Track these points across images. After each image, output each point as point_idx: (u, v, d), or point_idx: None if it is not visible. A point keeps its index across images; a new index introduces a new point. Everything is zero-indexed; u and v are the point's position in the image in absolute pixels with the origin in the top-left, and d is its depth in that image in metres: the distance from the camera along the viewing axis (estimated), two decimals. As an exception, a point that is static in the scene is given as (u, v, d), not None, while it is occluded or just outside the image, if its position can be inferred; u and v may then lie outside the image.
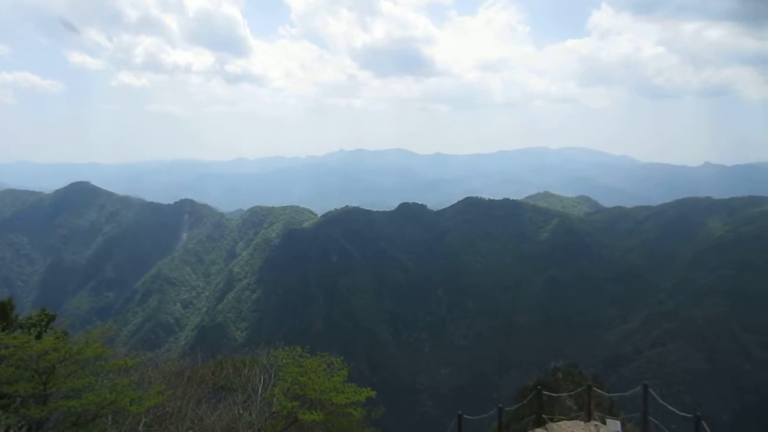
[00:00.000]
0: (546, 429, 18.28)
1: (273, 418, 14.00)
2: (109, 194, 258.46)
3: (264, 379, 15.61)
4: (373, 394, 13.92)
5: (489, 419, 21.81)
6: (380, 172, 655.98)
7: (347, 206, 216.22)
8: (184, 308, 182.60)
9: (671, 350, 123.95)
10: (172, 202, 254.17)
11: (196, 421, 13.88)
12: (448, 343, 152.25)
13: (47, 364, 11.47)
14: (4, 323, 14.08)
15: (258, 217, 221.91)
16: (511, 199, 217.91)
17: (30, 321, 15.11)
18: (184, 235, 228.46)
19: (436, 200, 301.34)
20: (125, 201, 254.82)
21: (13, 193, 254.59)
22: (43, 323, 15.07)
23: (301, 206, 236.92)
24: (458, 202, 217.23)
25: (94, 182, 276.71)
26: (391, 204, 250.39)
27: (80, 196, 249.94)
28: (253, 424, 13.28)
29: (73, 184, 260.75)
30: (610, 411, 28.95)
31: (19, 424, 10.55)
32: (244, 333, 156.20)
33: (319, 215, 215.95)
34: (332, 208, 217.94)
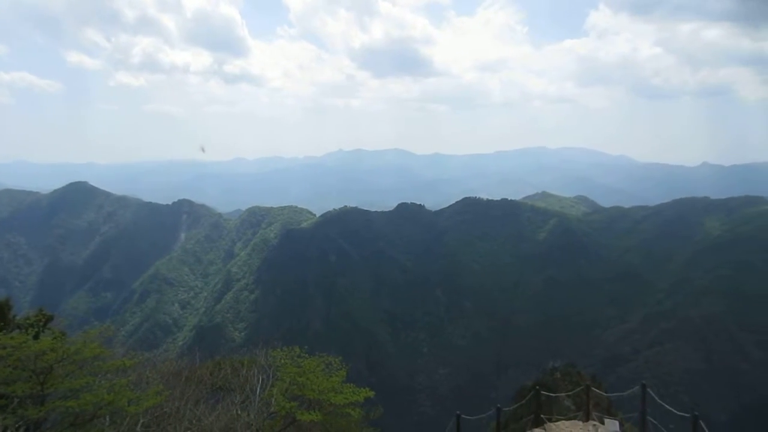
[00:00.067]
0: (544, 429, 18.30)
1: (271, 419, 13.97)
2: (107, 194, 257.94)
3: (262, 380, 15.59)
4: (371, 394, 13.91)
5: (487, 419, 21.83)
6: (378, 172, 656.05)
7: (345, 206, 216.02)
8: (182, 308, 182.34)
9: (669, 350, 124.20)
10: (170, 203, 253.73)
11: (194, 421, 13.84)
12: (446, 343, 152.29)
13: (45, 364, 11.44)
14: (2, 323, 14.06)
15: (256, 217, 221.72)
16: (509, 199, 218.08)
17: (27, 321, 15.07)
18: (182, 236, 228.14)
19: (435, 200, 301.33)
20: (123, 201, 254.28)
21: (10, 193, 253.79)
22: (41, 323, 15.02)
23: (299, 206, 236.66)
24: (456, 202, 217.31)
25: (92, 182, 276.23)
26: (389, 204, 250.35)
27: (78, 196, 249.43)
28: (252, 425, 13.26)
29: (70, 184, 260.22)
30: (609, 411, 28.98)
31: (17, 425, 10.52)
32: (242, 333, 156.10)
33: (317, 215, 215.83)
34: (330, 209, 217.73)
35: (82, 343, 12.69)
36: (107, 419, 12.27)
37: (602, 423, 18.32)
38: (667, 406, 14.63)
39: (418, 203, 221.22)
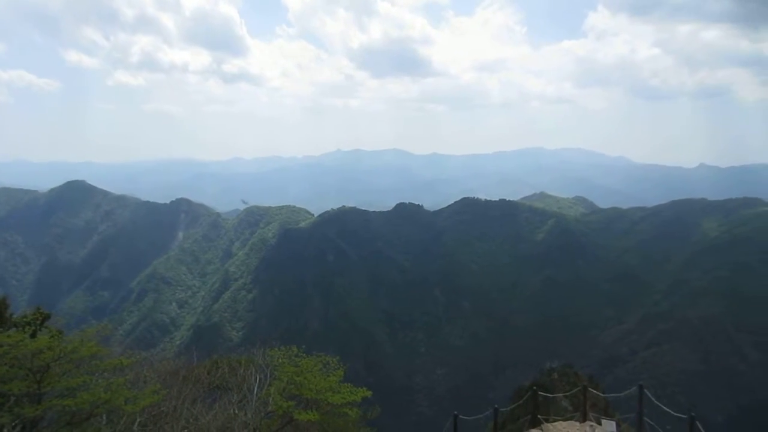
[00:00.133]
0: (541, 429, 18.31)
1: (268, 418, 13.97)
2: (105, 193, 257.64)
3: (260, 379, 15.58)
4: (368, 394, 13.91)
5: (485, 420, 21.80)
6: (377, 172, 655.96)
7: (344, 206, 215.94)
8: (179, 308, 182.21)
9: (666, 351, 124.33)
10: (168, 202, 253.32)
11: (191, 420, 13.84)
12: (444, 344, 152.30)
13: (42, 362, 11.42)
14: (-1, 322, 14.02)
15: (254, 216, 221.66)
16: (507, 199, 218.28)
17: (24, 320, 15.05)
18: (180, 235, 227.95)
19: (433, 200, 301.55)
20: (121, 200, 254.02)
21: (7, 192, 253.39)
22: (38, 322, 15.01)
23: (297, 206, 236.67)
24: (455, 202, 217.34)
25: (90, 181, 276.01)
26: (387, 204, 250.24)
27: (76, 195, 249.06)
28: (249, 424, 13.26)
29: (68, 183, 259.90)
30: (606, 411, 28.99)
31: (13, 423, 10.51)
32: (239, 333, 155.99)
33: (315, 215, 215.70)
34: (329, 208, 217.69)
35: (79, 341, 12.67)
36: (104, 418, 12.26)
37: (599, 424, 18.32)
38: (664, 407, 14.68)
39: (417, 203, 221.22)
